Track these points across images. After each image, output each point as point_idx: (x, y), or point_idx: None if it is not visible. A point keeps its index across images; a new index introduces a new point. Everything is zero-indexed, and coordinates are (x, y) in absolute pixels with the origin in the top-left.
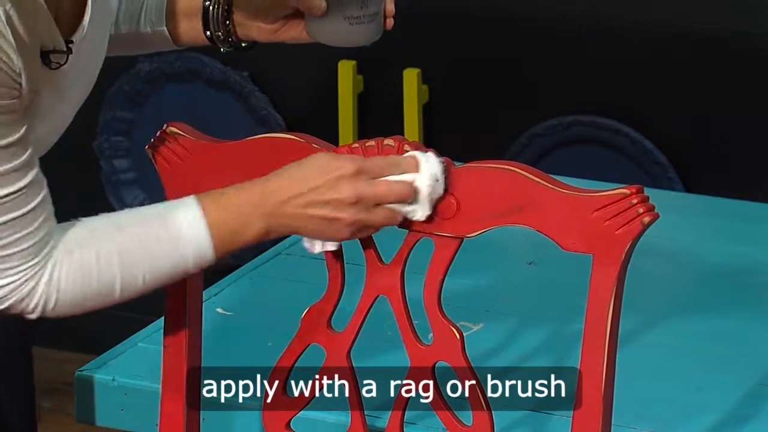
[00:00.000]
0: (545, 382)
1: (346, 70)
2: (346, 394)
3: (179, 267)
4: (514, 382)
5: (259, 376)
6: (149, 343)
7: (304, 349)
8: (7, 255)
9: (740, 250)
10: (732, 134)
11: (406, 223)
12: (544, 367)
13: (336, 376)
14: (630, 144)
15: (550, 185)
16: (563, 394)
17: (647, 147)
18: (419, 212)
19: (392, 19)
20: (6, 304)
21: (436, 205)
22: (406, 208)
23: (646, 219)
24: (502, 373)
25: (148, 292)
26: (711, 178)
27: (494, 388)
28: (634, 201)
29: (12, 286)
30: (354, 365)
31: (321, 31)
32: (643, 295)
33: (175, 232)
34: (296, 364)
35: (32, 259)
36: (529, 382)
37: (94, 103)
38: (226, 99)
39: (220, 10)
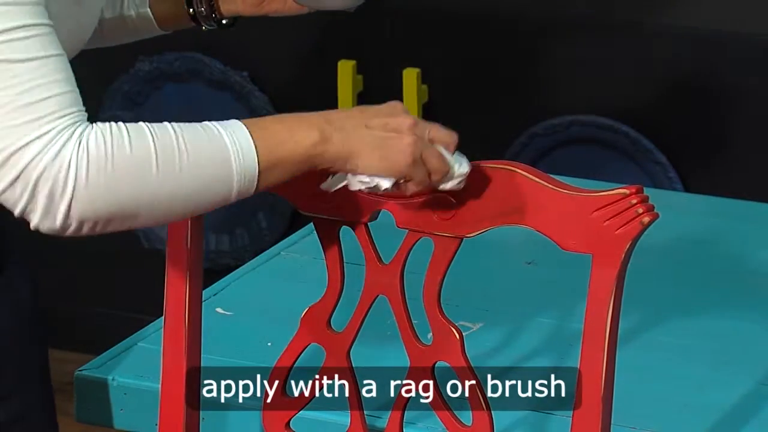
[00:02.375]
0: (545, 382)
1: (345, 69)
2: (346, 394)
3: (219, 163)
4: (514, 382)
5: (259, 376)
6: (149, 343)
7: (304, 349)
8: (44, 99)
9: (740, 250)
10: (732, 134)
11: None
12: (544, 367)
13: (336, 376)
14: (630, 144)
15: (549, 185)
16: (563, 394)
17: (647, 147)
18: (456, 171)
19: None
20: (39, 157)
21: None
22: (454, 161)
23: (646, 219)
24: (501, 373)
25: (188, 200)
26: (711, 178)
27: (494, 388)
28: (634, 201)
29: (46, 138)
30: (354, 365)
31: None
32: (643, 295)
33: (214, 132)
34: (296, 364)
35: (70, 107)
36: (529, 382)
37: (93, 103)
38: (226, 99)
39: None
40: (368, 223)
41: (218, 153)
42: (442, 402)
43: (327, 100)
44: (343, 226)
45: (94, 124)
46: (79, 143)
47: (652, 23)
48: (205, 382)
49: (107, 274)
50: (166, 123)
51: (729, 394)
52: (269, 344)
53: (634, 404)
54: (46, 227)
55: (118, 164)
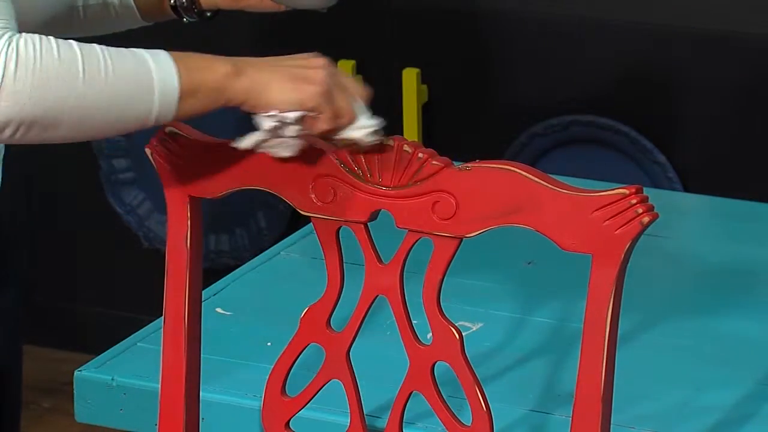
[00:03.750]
0: (544, 381)
1: (345, 69)
2: (346, 394)
3: (142, 77)
4: (513, 382)
5: (258, 376)
6: (149, 343)
7: (304, 349)
8: None
9: (740, 250)
10: (732, 134)
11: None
12: (544, 367)
13: (335, 376)
14: (629, 144)
15: (549, 185)
16: (563, 394)
17: (647, 147)
18: (363, 121)
19: None
20: None
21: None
22: (362, 111)
23: (646, 219)
24: (501, 373)
25: (109, 111)
26: (711, 178)
27: (494, 388)
28: (634, 201)
29: None
30: (354, 365)
31: None
32: (643, 295)
33: (138, 53)
34: (296, 364)
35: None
36: (529, 382)
37: None
38: None
39: None
40: (368, 223)
41: (141, 66)
42: (441, 402)
43: None
44: (343, 226)
45: (23, 33)
46: (9, 45)
47: (652, 23)
48: (205, 382)
49: (107, 274)
50: (93, 44)
51: (729, 394)
52: (269, 344)
53: (634, 404)
54: None
55: (45, 66)
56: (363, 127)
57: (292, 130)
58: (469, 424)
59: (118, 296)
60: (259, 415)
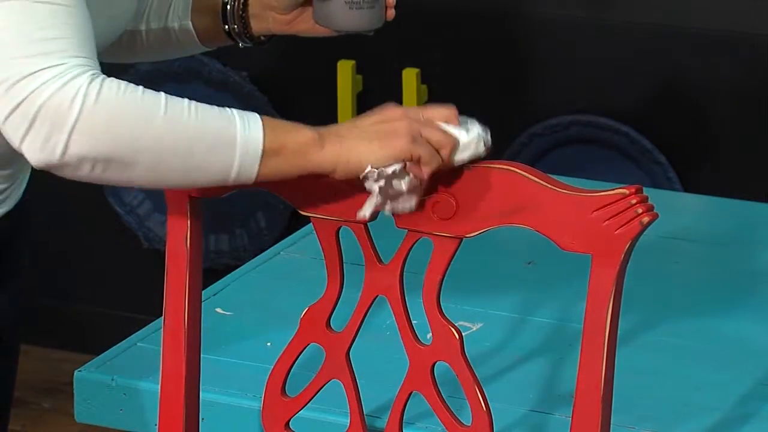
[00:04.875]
0: (544, 381)
1: (345, 69)
2: (346, 394)
3: (225, 128)
4: (513, 382)
5: (258, 376)
6: (149, 343)
7: (304, 349)
8: (60, 38)
9: (740, 250)
10: (732, 134)
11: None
12: (544, 367)
13: (335, 376)
14: (629, 144)
15: (549, 185)
16: (563, 394)
17: (647, 147)
18: (464, 139)
19: (393, 10)
20: (46, 85)
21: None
22: (458, 131)
23: (645, 219)
24: (501, 373)
25: (188, 160)
26: (711, 178)
27: (494, 388)
28: (633, 201)
29: (56, 70)
30: (354, 365)
31: (322, 15)
32: (643, 295)
33: (226, 109)
34: (296, 364)
35: (85, 53)
36: (529, 382)
37: None
38: (225, 99)
39: (237, 3)
40: (368, 223)
41: (225, 119)
42: (441, 402)
43: (327, 100)
44: (343, 226)
45: (110, 76)
46: (92, 81)
47: (651, 23)
48: (205, 382)
49: (107, 274)
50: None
51: (729, 394)
52: (269, 344)
53: (634, 404)
54: (42, 160)
55: (126, 103)
56: (468, 146)
57: (402, 184)
58: (469, 424)
59: (118, 296)
60: (259, 415)
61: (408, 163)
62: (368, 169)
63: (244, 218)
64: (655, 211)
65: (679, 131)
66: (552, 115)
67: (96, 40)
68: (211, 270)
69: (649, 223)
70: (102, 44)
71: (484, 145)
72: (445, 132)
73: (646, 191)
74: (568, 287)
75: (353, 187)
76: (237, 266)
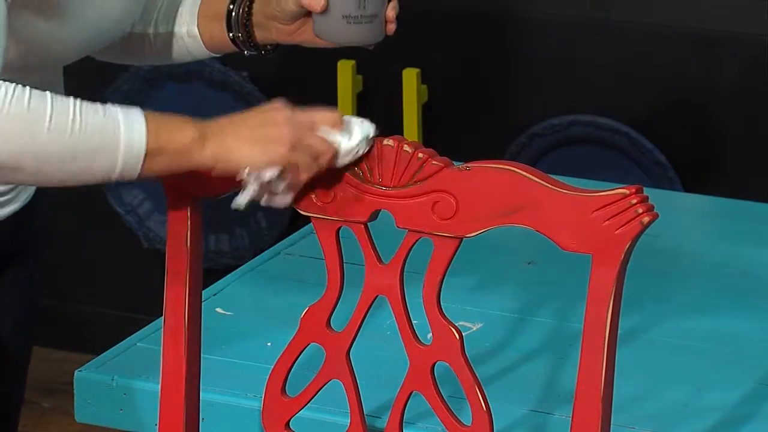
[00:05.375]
0: (544, 381)
1: (345, 69)
2: (346, 394)
3: (108, 134)
4: (513, 382)
5: (258, 376)
6: (148, 343)
7: (304, 349)
8: None
9: (740, 250)
10: (732, 134)
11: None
12: (544, 367)
13: (335, 376)
14: (630, 144)
15: (549, 185)
16: (563, 394)
17: (647, 147)
18: (344, 146)
19: (394, 25)
20: None
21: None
22: (338, 137)
23: (646, 219)
24: (501, 373)
25: (71, 165)
26: (711, 178)
27: (494, 388)
28: (634, 201)
29: None
30: (354, 365)
31: (321, 29)
32: (643, 295)
33: (112, 110)
34: (296, 364)
35: None
36: (529, 382)
37: None
38: (225, 99)
39: (242, 11)
40: (368, 223)
41: (110, 123)
42: (441, 402)
43: (327, 100)
44: (343, 226)
45: (2, 81)
46: None
47: (651, 23)
48: (205, 382)
49: (107, 274)
50: (71, 97)
51: (729, 394)
52: (269, 344)
53: (634, 404)
54: None
55: (11, 118)
56: (350, 152)
57: (279, 185)
58: (469, 424)
59: (118, 296)
60: (259, 415)
61: (286, 168)
62: (246, 171)
63: (244, 218)
64: (655, 211)
65: (679, 131)
66: (552, 115)
67: (78, 44)
68: (211, 270)
69: (650, 223)
70: (88, 46)
71: (366, 146)
72: (325, 140)
73: (647, 191)
74: (568, 287)
75: (354, 187)
76: (237, 266)
